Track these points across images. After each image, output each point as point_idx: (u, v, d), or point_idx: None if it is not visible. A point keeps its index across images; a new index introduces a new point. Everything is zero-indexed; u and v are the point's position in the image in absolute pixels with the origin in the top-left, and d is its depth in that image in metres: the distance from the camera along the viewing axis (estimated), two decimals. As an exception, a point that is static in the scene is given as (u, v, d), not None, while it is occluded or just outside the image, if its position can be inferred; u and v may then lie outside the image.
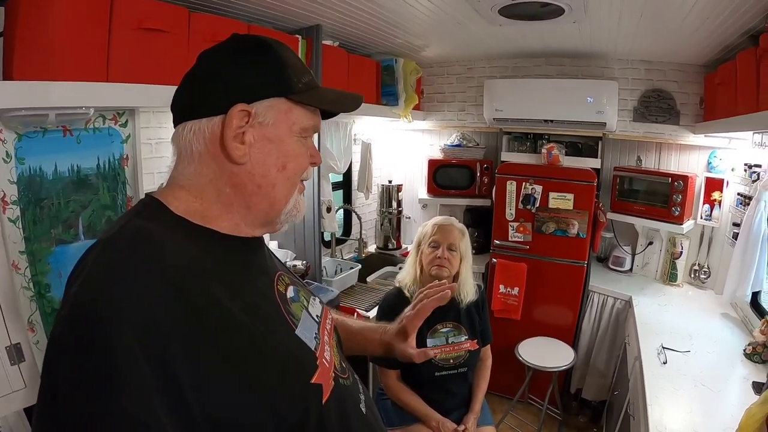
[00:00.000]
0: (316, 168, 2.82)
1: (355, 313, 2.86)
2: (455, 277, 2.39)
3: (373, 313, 2.89)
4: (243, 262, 0.94)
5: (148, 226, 0.82)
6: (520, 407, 3.78)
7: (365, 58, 3.48)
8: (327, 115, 1.08)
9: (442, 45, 3.72)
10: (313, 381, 0.90)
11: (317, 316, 1.07)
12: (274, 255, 1.17)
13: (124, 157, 2.22)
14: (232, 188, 0.92)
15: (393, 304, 2.35)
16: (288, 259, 2.97)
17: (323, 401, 0.91)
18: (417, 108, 4.05)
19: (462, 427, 2.30)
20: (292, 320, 0.95)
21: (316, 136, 2.71)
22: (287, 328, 0.93)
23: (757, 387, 2.25)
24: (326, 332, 1.07)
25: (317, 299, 1.14)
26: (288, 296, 1.00)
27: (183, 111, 0.93)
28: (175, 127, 0.94)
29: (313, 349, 0.95)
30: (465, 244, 2.40)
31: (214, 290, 0.80)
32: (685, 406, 2.16)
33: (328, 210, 3.26)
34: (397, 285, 2.46)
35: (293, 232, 3.04)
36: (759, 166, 3.02)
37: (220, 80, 0.91)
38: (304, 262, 2.96)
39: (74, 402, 0.66)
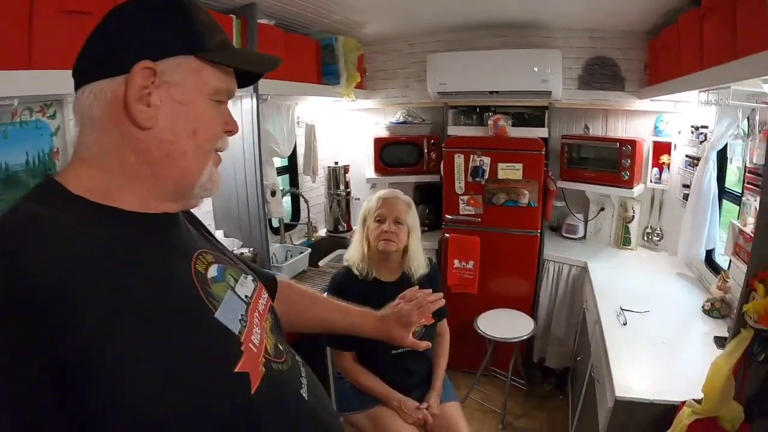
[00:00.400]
0: (255, 151, 2.76)
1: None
2: (404, 251, 2.32)
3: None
4: (151, 241, 0.85)
5: (41, 210, 0.73)
6: (485, 381, 3.79)
7: (304, 37, 3.37)
8: (244, 82, 1.00)
9: (382, 21, 3.65)
10: (237, 369, 0.82)
11: (246, 296, 0.98)
12: (203, 232, 1.09)
13: (54, 150, 2.08)
14: (138, 156, 0.82)
15: (342, 284, 2.29)
16: (235, 248, 2.87)
17: (252, 391, 0.83)
18: (360, 86, 3.97)
19: (425, 405, 2.25)
20: (212, 302, 0.86)
21: (252, 116, 2.62)
22: (205, 311, 0.84)
23: (720, 342, 2.27)
24: (257, 313, 0.99)
25: (249, 277, 1.06)
26: (209, 276, 0.91)
27: (83, 73, 0.83)
28: (76, 93, 0.84)
29: (236, 333, 0.86)
30: (412, 217, 2.33)
31: (115, 276, 0.71)
32: (648, 365, 2.18)
33: (273, 194, 3.16)
34: (346, 264, 2.38)
35: (238, 219, 2.95)
36: (705, 127, 3.06)
37: (123, 36, 0.82)
38: (252, 249, 2.88)
39: None
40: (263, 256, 2.93)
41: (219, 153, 0.96)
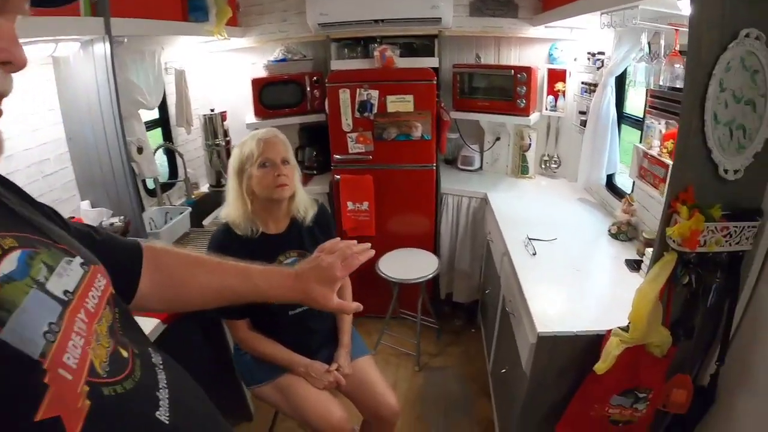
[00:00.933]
0: (113, 104, 2.40)
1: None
2: (292, 195, 2.08)
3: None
4: None
5: None
6: (394, 324, 3.72)
7: (162, -33, 2.98)
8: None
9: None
10: (39, 417, 0.56)
11: (66, 291, 0.69)
12: (13, 207, 0.76)
13: None
14: None
15: (224, 243, 1.99)
16: (104, 218, 2.52)
17: None
18: (233, 23, 3.61)
19: (334, 366, 2.09)
20: None
21: (106, 63, 2.26)
22: None
23: (631, 264, 2.30)
24: (82, 314, 0.70)
25: (76, 261, 0.75)
26: None
27: None
28: None
29: (36, 356, 0.58)
30: (292, 155, 2.07)
31: None
32: (565, 295, 2.14)
33: (140, 151, 2.81)
34: (224, 221, 2.07)
35: (104, 185, 2.57)
36: (602, 53, 3.06)
37: None
38: (123, 217, 2.53)
39: None
40: (137, 223, 2.59)
41: None
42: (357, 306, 1.20)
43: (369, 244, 1.20)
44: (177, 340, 2.12)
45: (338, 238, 1.24)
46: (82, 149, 2.48)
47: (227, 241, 1.98)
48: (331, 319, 2.25)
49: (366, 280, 3.35)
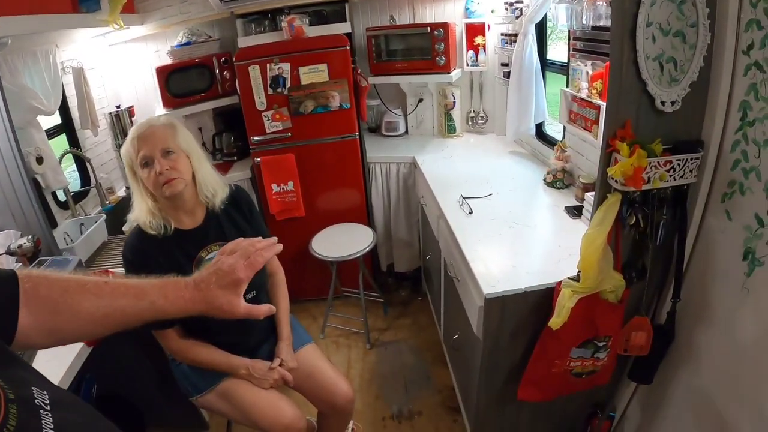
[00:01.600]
0: (2, 113, 2.12)
1: (111, 274, 2.22)
2: (195, 182, 1.86)
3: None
4: None
5: None
6: (339, 304, 3.64)
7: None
8: None
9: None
10: None
11: None
12: None
13: None
14: None
15: (138, 247, 1.80)
16: (12, 241, 2.24)
17: None
18: (129, 10, 3.27)
19: (277, 362, 1.95)
20: None
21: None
22: None
23: (571, 211, 2.28)
24: None
25: None
26: None
27: None
28: None
29: None
30: (183, 138, 1.83)
31: None
32: (506, 249, 2.07)
33: (40, 161, 2.54)
34: (136, 223, 1.85)
35: (6, 204, 2.29)
36: (520, 2, 3.00)
37: None
38: (31, 236, 2.27)
39: None
40: (48, 240, 2.32)
41: None
42: (269, 308, 1.06)
43: (275, 238, 1.09)
44: (110, 359, 1.94)
45: (241, 238, 1.10)
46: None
47: (142, 244, 1.79)
48: None
49: (302, 263, 3.25)
